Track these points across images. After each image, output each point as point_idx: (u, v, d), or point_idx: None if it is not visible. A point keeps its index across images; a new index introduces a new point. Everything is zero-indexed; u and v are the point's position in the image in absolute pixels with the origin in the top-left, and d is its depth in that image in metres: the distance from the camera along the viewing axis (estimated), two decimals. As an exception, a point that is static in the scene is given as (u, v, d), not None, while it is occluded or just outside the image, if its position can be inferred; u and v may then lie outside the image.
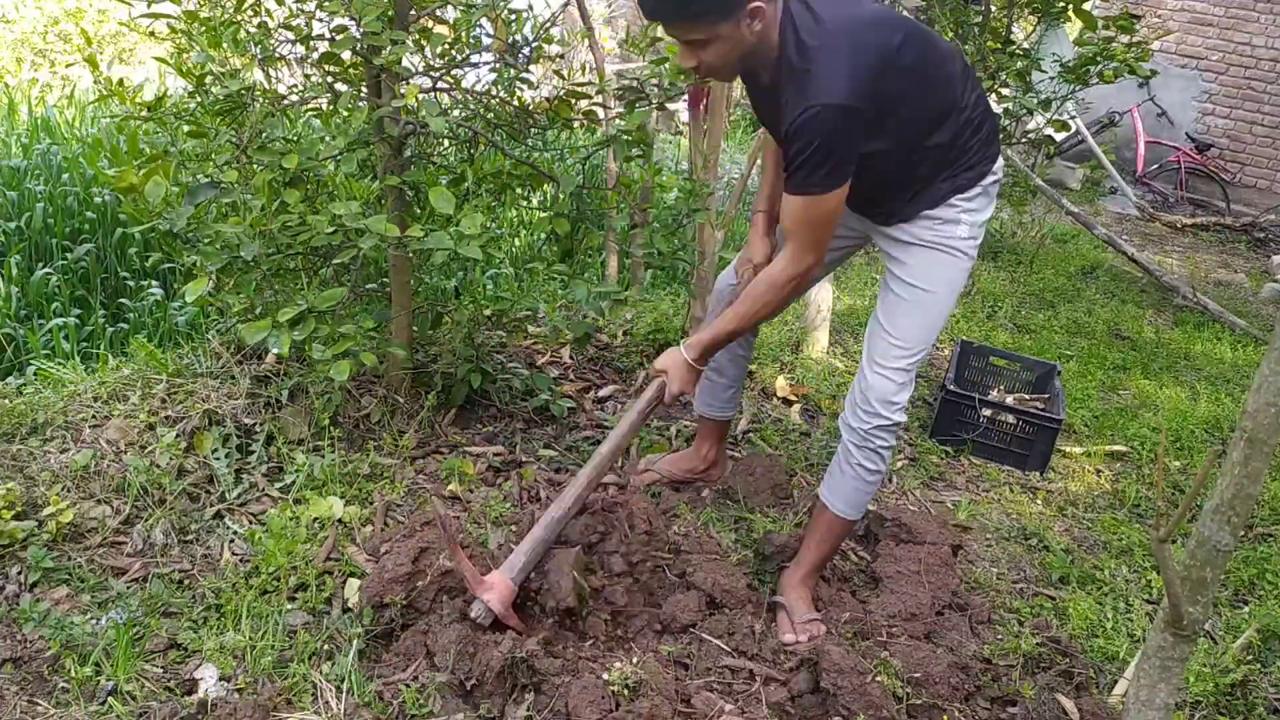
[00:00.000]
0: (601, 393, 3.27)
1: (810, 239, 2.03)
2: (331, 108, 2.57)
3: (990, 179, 2.12)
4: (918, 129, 2.00)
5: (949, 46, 2.10)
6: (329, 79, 2.60)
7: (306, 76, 2.62)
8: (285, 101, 2.53)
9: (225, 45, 2.38)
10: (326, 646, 1.98)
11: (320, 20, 2.51)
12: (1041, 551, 2.68)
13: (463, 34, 2.51)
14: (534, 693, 1.86)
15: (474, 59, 2.62)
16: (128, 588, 2.11)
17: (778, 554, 2.38)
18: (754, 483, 2.69)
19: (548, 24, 2.69)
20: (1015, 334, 4.54)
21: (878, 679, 1.93)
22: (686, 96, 3.09)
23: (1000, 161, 2.14)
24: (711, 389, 2.66)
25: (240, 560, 2.23)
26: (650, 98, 2.76)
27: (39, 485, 2.28)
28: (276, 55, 2.53)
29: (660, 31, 2.42)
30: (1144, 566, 2.61)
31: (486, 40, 2.70)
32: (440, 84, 2.62)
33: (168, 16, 2.45)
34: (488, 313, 3.18)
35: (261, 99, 2.45)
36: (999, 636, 2.21)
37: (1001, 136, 3.66)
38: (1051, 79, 4.26)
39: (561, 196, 4.83)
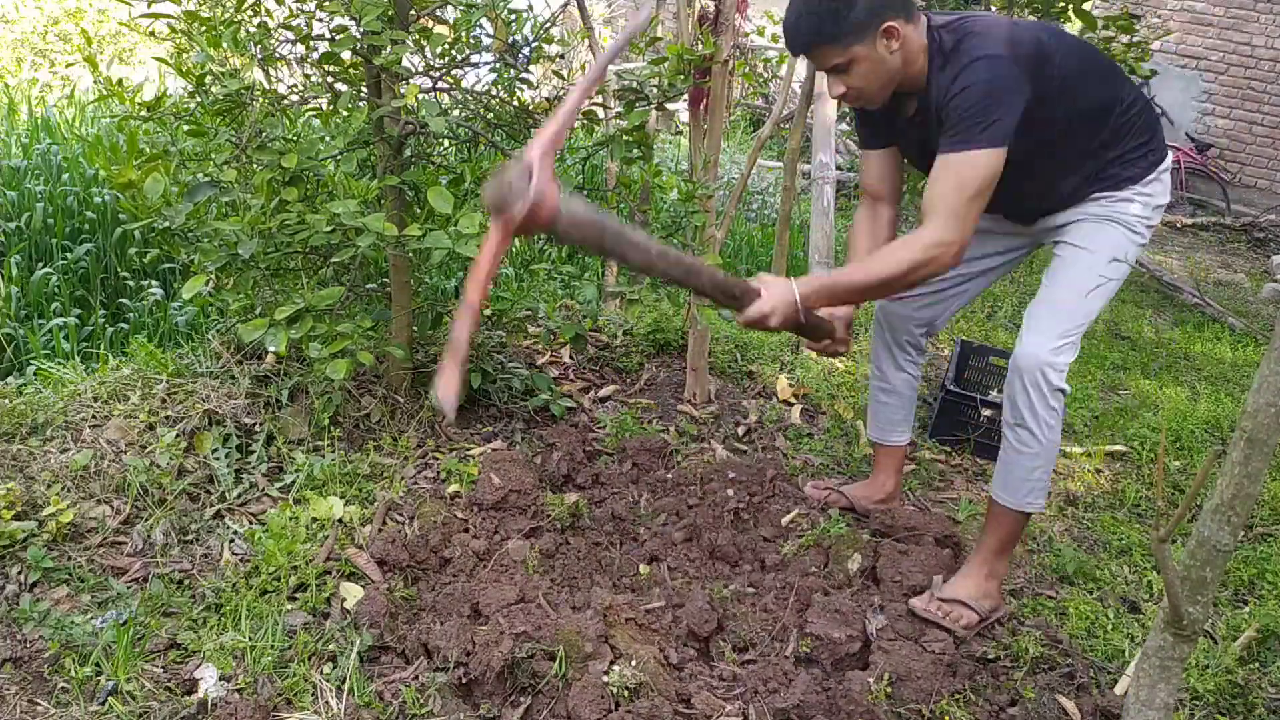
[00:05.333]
0: (601, 392, 3.27)
1: (956, 206, 1.92)
2: (331, 108, 2.57)
3: (1163, 167, 2.13)
4: (1080, 121, 2.03)
5: (1097, 51, 2.13)
6: (329, 79, 2.60)
7: (306, 76, 2.62)
8: (285, 101, 2.53)
9: (225, 45, 2.38)
10: (328, 647, 1.98)
11: (320, 20, 2.51)
12: (1041, 551, 2.67)
13: (463, 34, 2.51)
14: (534, 693, 1.86)
15: (474, 59, 2.63)
16: (128, 588, 2.11)
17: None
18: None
19: (548, 24, 2.69)
20: (1015, 334, 4.54)
21: (878, 680, 1.93)
22: (686, 96, 3.09)
23: (1169, 155, 2.15)
24: (880, 410, 2.61)
25: (240, 560, 2.23)
26: (650, 98, 2.76)
27: (39, 485, 2.28)
28: (276, 55, 2.53)
29: (660, 31, 2.43)
30: (1144, 566, 2.61)
31: (486, 40, 2.70)
32: (440, 84, 2.62)
33: (168, 16, 2.45)
34: (488, 313, 3.18)
35: (261, 99, 2.45)
36: (999, 636, 2.21)
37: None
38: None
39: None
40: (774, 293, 1.95)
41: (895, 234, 2.33)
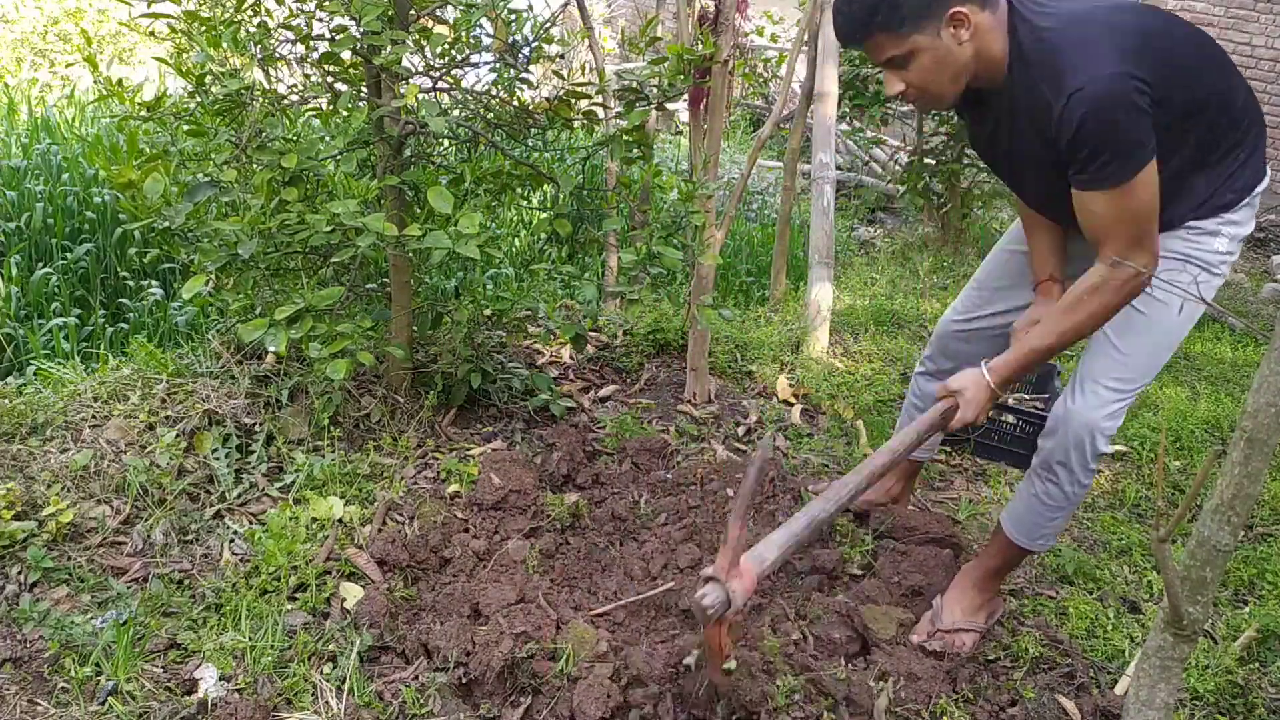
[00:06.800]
0: (601, 393, 3.27)
1: (1133, 234, 1.70)
2: (331, 108, 2.57)
3: (1258, 189, 1.84)
4: (1196, 118, 1.73)
5: (1210, 38, 1.83)
6: (329, 79, 2.60)
7: (306, 76, 2.62)
8: (285, 101, 2.53)
9: (225, 45, 2.38)
10: (328, 647, 1.98)
11: (320, 20, 2.51)
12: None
13: (463, 34, 2.51)
14: (534, 693, 1.86)
15: (474, 59, 2.63)
16: (128, 588, 2.11)
17: None
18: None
19: (548, 24, 2.69)
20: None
21: (878, 680, 1.93)
22: (686, 96, 3.09)
23: (1268, 172, 1.87)
24: (906, 420, 2.47)
25: (240, 560, 2.23)
26: (650, 98, 2.76)
27: (39, 485, 2.28)
28: (276, 55, 2.53)
29: (660, 31, 2.41)
30: (1144, 566, 2.61)
31: (486, 40, 2.70)
32: (440, 84, 2.62)
33: (168, 16, 2.45)
34: (488, 313, 3.18)
35: (261, 99, 2.45)
36: (999, 636, 2.21)
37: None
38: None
39: (562, 197, 4.83)
40: (969, 395, 1.90)
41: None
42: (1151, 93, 1.64)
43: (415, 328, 2.88)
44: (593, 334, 3.70)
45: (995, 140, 1.91)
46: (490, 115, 2.75)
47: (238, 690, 1.84)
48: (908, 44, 1.70)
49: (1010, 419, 3.15)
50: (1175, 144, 1.74)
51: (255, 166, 2.37)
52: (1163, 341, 1.88)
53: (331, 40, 2.47)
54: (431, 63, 2.54)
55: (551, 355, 3.46)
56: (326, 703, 1.83)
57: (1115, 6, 1.73)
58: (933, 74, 1.74)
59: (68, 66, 7.90)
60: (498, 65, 2.67)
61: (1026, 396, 3.47)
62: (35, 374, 2.91)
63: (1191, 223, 1.83)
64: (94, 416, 2.55)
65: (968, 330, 2.31)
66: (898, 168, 7.07)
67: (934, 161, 5.63)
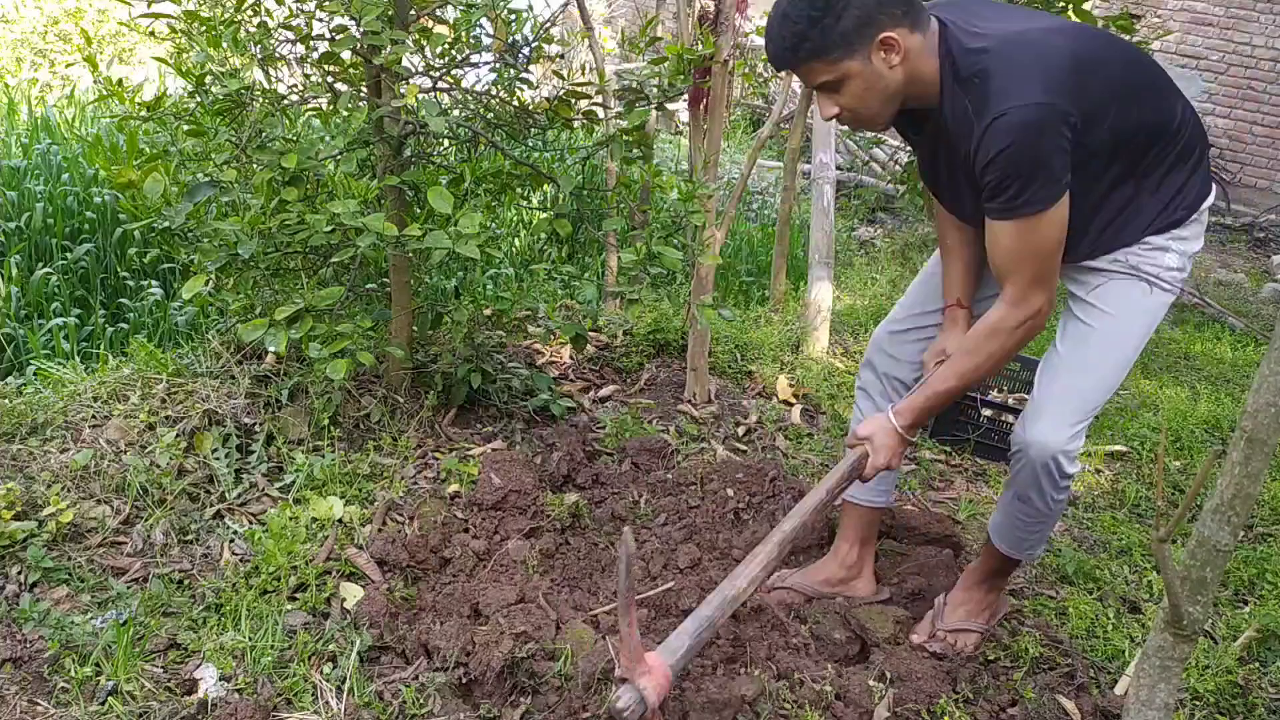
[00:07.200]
0: (601, 393, 3.27)
1: (1035, 271, 1.74)
2: (331, 108, 2.57)
3: (1205, 205, 1.85)
4: (1126, 146, 1.74)
5: (1151, 59, 1.83)
6: (329, 79, 2.61)
7: (306, 76, 2.62)
8: (285, 101, 2.53)
9: (225, 45, 2.38)
10: (328, 647, 1.98)
11: (320, 20, 2.51)
12: (1041, 551, 2.68)
13: (463, 34, 2.51)
14: (533, 693, 1.86)
15: (474, 59, 2.63)
16: (128, 588, 2.11)
17: None
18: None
19: (548, 24, 2.69)
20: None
21: (878, 680, 1.93)
22: (686, 96, 3.09)
23: (1214, 190, 1.89)
24: None
25: (240, 560, 2.23)
26: (650, 98, 2.76)
27: (39, 485, 2.28)
28: (276, 55, 2.53)
29: (660, 31, 2.40)
30: (1144, 566, 2.61)
31: (486, 40, 2.70)
32: (440, 84, 2.62)
33: (168, 16, 2.45)
34: (488, 313, 3.18)
35: (261, 99, 2.45)
36: (999, 636, 2.21)
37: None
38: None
39: (562, 197, 4.83)
40: (879, 442, 1.90)
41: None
42: (1078, 123, 1.64)
43: (415, 328, 2.88)
44: (593, 334, 3.70)
45: (934, 161, 1.92)
46: (490, 115, 2.75)
47: (238, 690, 1.84)
48: (839, 70, 1.71)
49: (1010, 419, 3.16)
50: (1114, 168, 1.76)
51: (255, 166, 2.37)
52: (1117, 357, 1.85)
53: (331, 40, 2.47)
54: (431, 63, 2.54)
55: (551, 355, 3.46)
56: (326, 703, 1.83)
57: (1050, 29, 1.72)
58: (865, 98, 1.75)
59: (68, 66, 7.90)
60: (498, 65, 2.67)
61: (1027, 396, 3.47)
62: (35, 374, 2.90)
63: (1134, 241, 1.84)
64: (94, 416, 2.55)
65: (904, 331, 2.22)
66: (898, 168, 7.07)
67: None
